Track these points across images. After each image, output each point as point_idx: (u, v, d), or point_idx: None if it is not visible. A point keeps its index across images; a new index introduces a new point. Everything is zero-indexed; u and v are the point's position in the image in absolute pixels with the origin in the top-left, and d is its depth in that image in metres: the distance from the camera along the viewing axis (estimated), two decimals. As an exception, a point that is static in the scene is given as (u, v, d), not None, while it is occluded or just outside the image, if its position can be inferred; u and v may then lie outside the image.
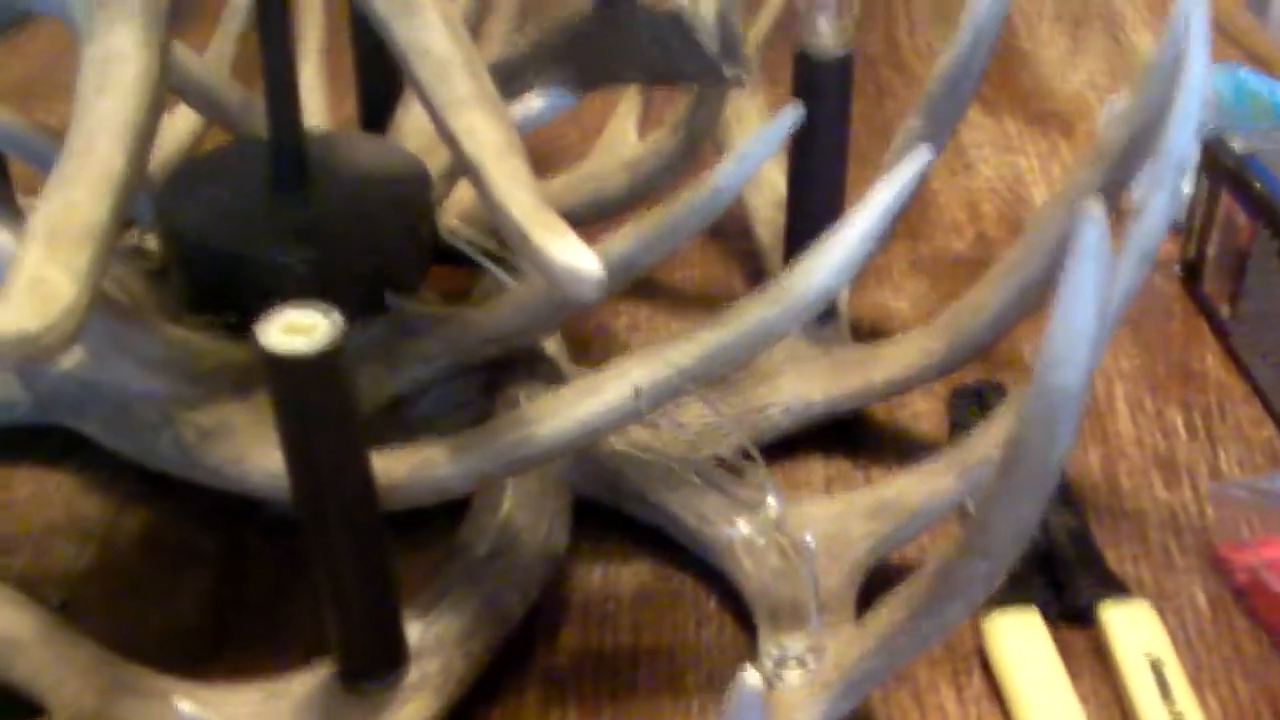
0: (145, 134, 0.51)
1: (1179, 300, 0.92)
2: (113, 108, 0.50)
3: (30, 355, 0.40)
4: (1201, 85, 0.56)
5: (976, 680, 0.65)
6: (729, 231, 0.96)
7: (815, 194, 0.79)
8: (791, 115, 0.59)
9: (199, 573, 0.71)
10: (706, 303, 0.92)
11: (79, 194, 0.47)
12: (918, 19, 1.38)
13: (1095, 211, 0.40)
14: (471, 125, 0.50)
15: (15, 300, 0.42)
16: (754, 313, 0.59)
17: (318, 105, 0.88)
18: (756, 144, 0.58)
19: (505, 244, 0.68)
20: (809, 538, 0.64)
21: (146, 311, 0.70)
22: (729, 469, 0.70)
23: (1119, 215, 0.42)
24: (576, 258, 0.45)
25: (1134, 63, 1.27)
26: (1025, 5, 1.39)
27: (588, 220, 0.80)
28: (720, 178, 0.59)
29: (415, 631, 0.61)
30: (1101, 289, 0.42)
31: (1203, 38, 0.56)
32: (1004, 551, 0.47)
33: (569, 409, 0.59)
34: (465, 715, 0.61)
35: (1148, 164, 0.62)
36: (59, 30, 1.25)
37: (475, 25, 0.87)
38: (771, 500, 0.62)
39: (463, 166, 0.51)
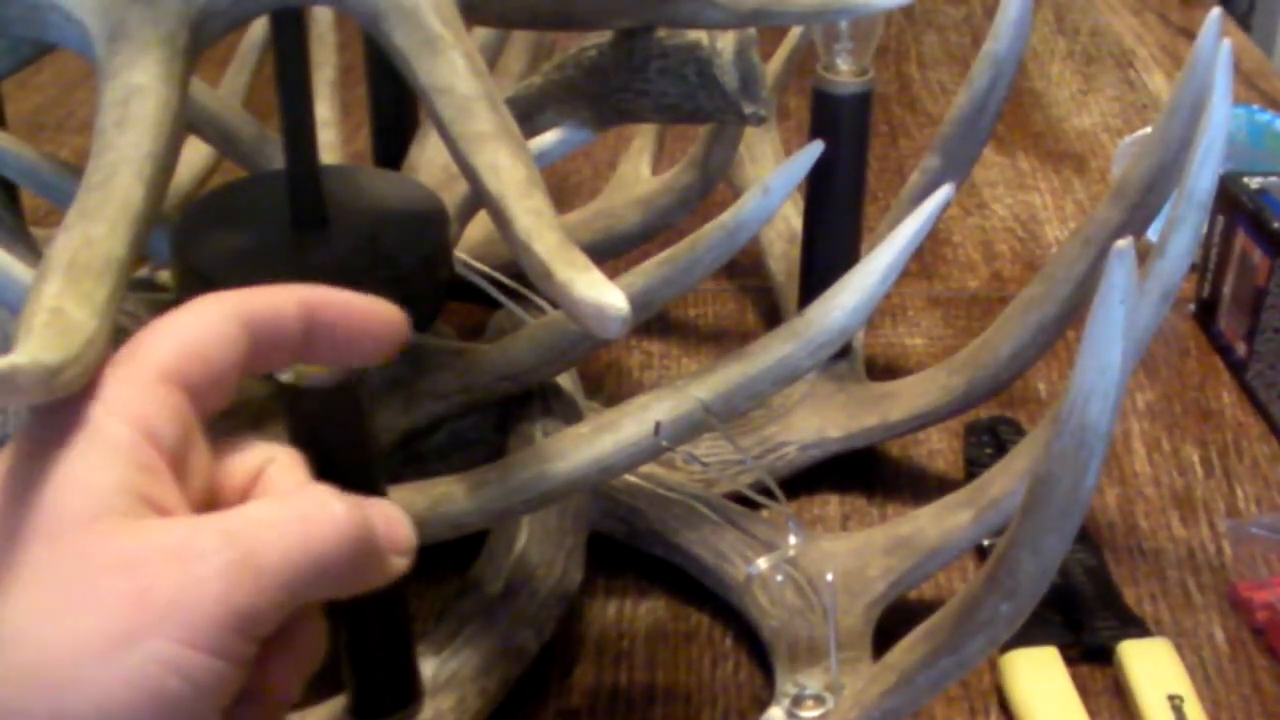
0: (164, 168, 0.51)
1: (1194, 338, 0.92)
2: (132, 142, 0.50)
3: (49, 388, 0.39)
4: (1225, 125, 0.56)
5: (994, 718, 0.65)
6: (742, 268, 0.96)
7: (832, 230, 0.79)
8: (813, 150, 0.59)
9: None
10: (719, 339, 0.92)
11: (98, 228, 0.47)
12: (929, 58, 1.39)
13: (1126, 251, 0.40)
14: (494, 161, 0.50)
15: (35, 333, 0.41)
16: (776, 348, 0.59)
17: (331, 140, 0.88)
18: (782, 177, 0.58)
19: (521, 279, 0.68)
20: (829, 576, 0.64)
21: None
22: (746, 505, 0.69)
23: (1138, 254, 0.42)
24: (602, 294, 0.44)
25: (1146, 101, 1.28)
26: (1037, 45, 1.40)
27: (600, 256, 0.80)
28: (744, 212, 0.59)
29: (430, 668, 0.60)
30: (1129, 328, 0.41)
31: (1227, 79, 0.56)
32: (1028, 591, 0.46)
33: (587, 445, 0.59)
34: (480, 753, 0.61)
35: (1169, 203, 0.62)
36: (67, 64, 1.26)
37: (494, 59, 0.87)
38: (794, 538, 0.62)
39: (484, 202, 0.51)
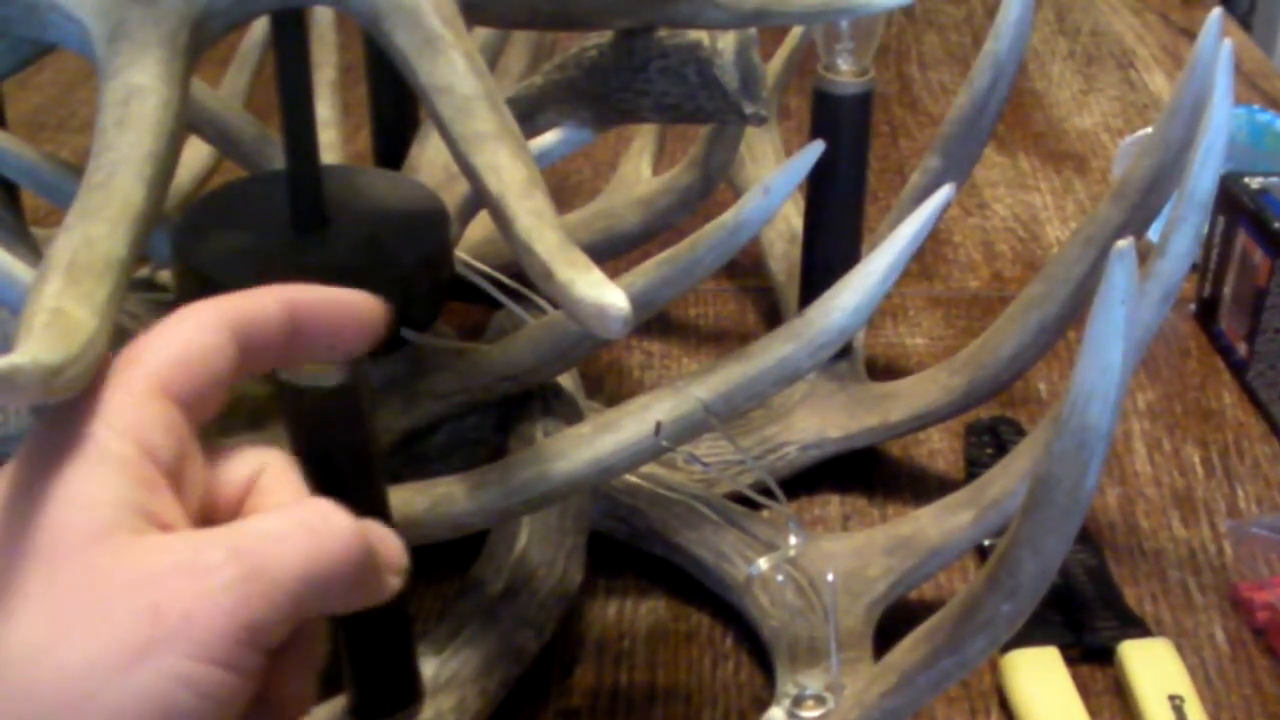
0: (165, 168, 0.51)
1: (1195, 339, 0.92)
2: (133, 142, 0.50)
3: (50, 387, 0.39)
4: (1226, 126, 0.56)
5: (995, 718, 0.65)
6: (742, 268, 0.96)
7: (832, 230, 0.79)
8: (814, 150, 0.58)
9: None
10: (720, 339, 0.92)
11: (99, 227, 0.46)
12: (929, 58, 1.39)
13: (1126, 251, 0.40)
14: (494, 161, 0.50)
15: (35, 333, 0.41)
16: (776, 348, 0.59)
17: (332, 139, 0.88)
18: (782, 177, 0.58)
19: (521, 279, 0.68)
20: (830, 576, 0.64)
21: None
22: (747, 505, 0.69)
23: (1139, 254, 0.42)
24: (603, 294, 0.44)
25: (1146, 101, 1.28)
26: (1038, 45, 1.40)
27: (600, 256, 0.80)
28: (744, 211, 0.59)
29: (430, 668, 0.60)
30: (1130, 328, 0.41)
31: (1228, 79, 0.56)
32: (1029, 591, 0.46)
33: (587, 445, 0.59)
34: (481, 753, 0.61)
35: (1170, 203, 0.62)
36: (67, 64, 1.26)
37: (494, 59, 0.87)
38: (794, 538, 0.62)
39: (485, 202, 0.51)
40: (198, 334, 0.42)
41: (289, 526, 0.40)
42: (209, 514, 0.43)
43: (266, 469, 0.44)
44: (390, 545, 0.44)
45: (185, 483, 0.41)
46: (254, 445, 0.45)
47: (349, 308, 0.46)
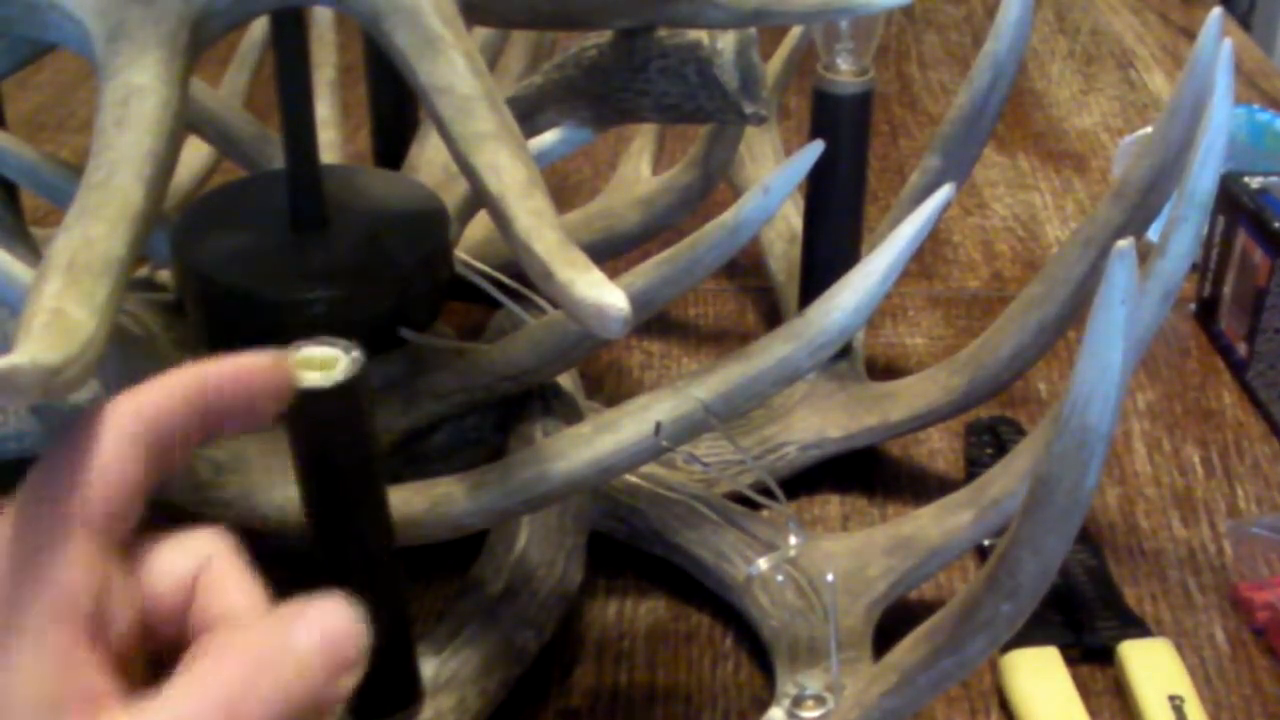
0: (164, 168, 0.51)
1: (1195, 338, 0.92)
2: (132, 141, 0.50)
3: (49, 388, 0.39)
4: (1226, 125, 0.56)
5: (995, 718, 0.65)
6: (742, 268, 0.96)
7: (832, 230, 0.79)
8: (814, 150, 0.58)
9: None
10: (720, 339, 0.92)
11: (98, 227, 0.46)
12: (929, 57, 1.38)
13: (1127, 251, 0.40)
14: (494, 161, 0.50)
15: (34, 333, 0.41)
16: (776, 348, 0.59)
17: (332, 139, 0.88)
18: (782, 177, 0.58)
19: (521, 279, 0.68)
20: (830, 576, 0.64)
21: (160, 344, 0.70)
22: (747, 505, 0.69)
23: (1139, 254, 0.42)
24: (603, 294, 0.44)
25: (1146, 101, 1.28)
26: (1038, 45, 1.40)
27: (600, 256, 0.80)
28: (744, 211, 0.59)
29: (430, 668, 0.60)
30: (1130, 328, 0.41)
31: (1228, 79, 0.56)
32: (1029, 591, 0.46)
33: (587, 446, 0.59)
34: (481, 753, 0.61)
35: (1170, 203, 0.62)
36: (67, 64, 1.26)
37: (494, 59, 0.87)
38: (794, 538, 0.62)
39: (485, 202, 0.51)
40: (109, 455, 0.40)
41: (207, 706, 0.38)
42: (148, 627, 0.41)
43: (211, 562, 0.42)
44: (339, 643, 0.40)
45: (110, 617, 0.40)
46: (190, 532, 0.43)
47: (257, 376, 0.44)
